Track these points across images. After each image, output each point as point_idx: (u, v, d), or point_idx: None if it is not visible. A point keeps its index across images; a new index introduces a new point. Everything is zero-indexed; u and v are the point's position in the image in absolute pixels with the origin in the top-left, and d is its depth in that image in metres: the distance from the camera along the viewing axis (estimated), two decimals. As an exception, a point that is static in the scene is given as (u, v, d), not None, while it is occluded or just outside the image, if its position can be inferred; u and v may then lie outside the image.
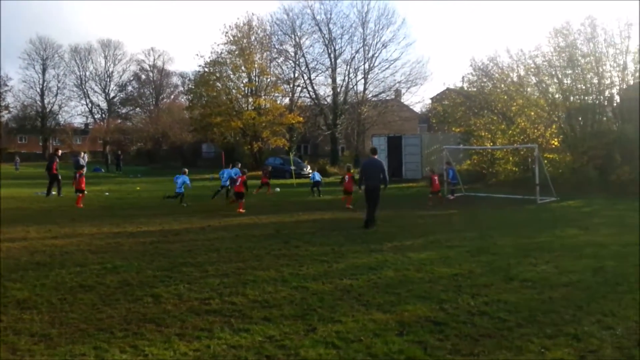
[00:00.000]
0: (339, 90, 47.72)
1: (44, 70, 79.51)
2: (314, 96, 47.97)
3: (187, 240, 10.98)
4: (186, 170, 19.56)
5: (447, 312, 5.94)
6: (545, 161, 21.09)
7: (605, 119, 24.03)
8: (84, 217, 14.71)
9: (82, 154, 25.28)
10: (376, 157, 13.08)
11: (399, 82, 48.57)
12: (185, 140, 56.02)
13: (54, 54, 79.78)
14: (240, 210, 16.11)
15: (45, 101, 79.93)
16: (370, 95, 48.82)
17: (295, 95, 48.87)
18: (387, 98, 49.40)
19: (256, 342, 5.09)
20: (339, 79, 47.78)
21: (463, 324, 5.53)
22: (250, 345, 4.99)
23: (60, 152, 24.40)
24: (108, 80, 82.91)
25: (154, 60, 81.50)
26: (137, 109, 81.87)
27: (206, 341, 5.11)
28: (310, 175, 26.21)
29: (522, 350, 4.81)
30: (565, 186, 20.38)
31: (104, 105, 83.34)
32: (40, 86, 79.56)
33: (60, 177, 21.30)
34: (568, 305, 6.13)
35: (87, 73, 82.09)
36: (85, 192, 18.13)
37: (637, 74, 22.57)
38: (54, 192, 21.07)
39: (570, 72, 23.81)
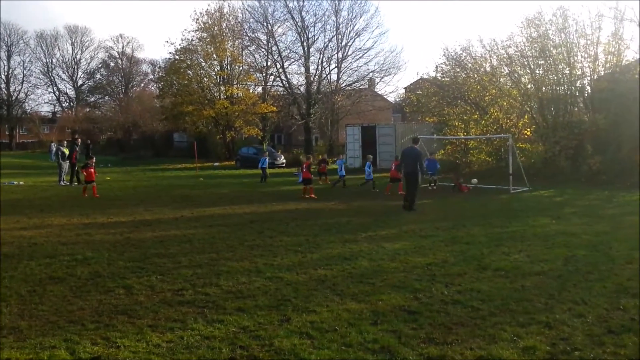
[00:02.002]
0: (312, 79, 47.46)
1: (8, 57, 77.04)
2: (287, 85, 47.60)
3: (159, 231, 10.81)
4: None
5: (421, 302, 5.97)
6: (518, 151, 21.40)
7: (576, 109, 24.47)
8: (52, 208, 14.36)
9: (65, 143, 24.94)
10: (417, 146, 14.00)
11: (373, 71, 48.54)
12: (157, 129, 55.11)
13: (19, 40, 77.31)
14: (312, 195, 16.26)
15: (11, 89, 77.56)
16: (343, 85, 48.70)
17: (268, 84, 48.44)
18: (361, 87, 49.35)
19: (230, 332, 5.03)
20: (312, 68, 47.49)
21: (437, 313, 5.56)
22: (224, 336, 4.93)
23: (79, 140, 24.74)
24: (75, 67, 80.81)
25: (123, 47, 79.62)
26: (106, 97, 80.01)
27: (179, 332, 5.03)
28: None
29: (495, 338, 4.85)
30: (537, 176, 20.74)
31: (72, 93, 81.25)
32: (6, 73, 77.12)
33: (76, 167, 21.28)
34: (540, 293, 6.22)
35: (54, 60, 79.83)
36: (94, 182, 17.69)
37: (608, 65, 23.00)
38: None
39: (542, 62, 24.15)
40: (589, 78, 24.00)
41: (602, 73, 23.50)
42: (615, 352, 4.49)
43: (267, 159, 25.10)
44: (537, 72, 24.66)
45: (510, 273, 7.18)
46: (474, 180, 19.23)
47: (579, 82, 24.12)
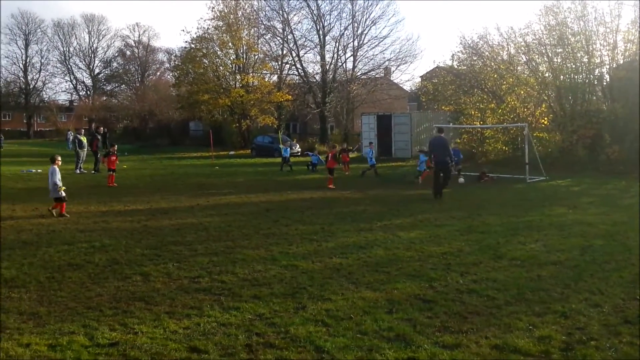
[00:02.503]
0: (327, 67, 47.24)
1: (26, 46, 77.79)
2: (302, 74, 47.46)
3: (175, 219, 10.91)
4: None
5: (436, 290, 5.97)
6: (535, 140, 21.15)
7: (594, 98, 24.08)
8: (70, 195, 14.54)
9: (83, 131, 25.25)
10: (442, 135, 14.35)
11: (389, 59, 48.12)
12: (172, 118, 55.40)
13: (36, 29, 77.97)
14: (330, 186, 16.29)
15: (29, 77, 78.39)
16: (359, 73, 48.40)
17: (284, 72, 48.34)
18: (377, 76, 49.03)
19: (246, 319, 5.08)
20: (327, 57, 47.24)
21: (452, 302, 5.56)
22: (240, 323, 4.98)
23: (101, 129, 25.09)
24: (92, 56, 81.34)
25: (139, 36, 79.93)
26: (123, 86, 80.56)
27: (196, 319, 5.10)
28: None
29: (511, 327, 4.84)
30: (554, 165, 20.50)
31: (88, 82, 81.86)
32: (23, 62, 77.92)
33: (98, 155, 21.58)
34: (556, 283, 6.18)
35: (71, 49, 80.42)
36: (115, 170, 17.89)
37: (627, 53, 22.57)
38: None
39: (560, 50, 23.75)
40: (607, 66, 23.58)
41: (621, 61, 23.06)
42: (632, 342, 4.46)
43: (289, 149, 25.33)
44: (555, 60, 24.27)
45: (526, 262, 7.14)
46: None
47: (597, 70, 23.72)
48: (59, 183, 11.02)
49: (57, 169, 11.37)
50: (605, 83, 23.85)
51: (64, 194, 11.06)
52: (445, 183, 13.89)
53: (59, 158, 11.84)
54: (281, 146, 26.03)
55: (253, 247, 8.21)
